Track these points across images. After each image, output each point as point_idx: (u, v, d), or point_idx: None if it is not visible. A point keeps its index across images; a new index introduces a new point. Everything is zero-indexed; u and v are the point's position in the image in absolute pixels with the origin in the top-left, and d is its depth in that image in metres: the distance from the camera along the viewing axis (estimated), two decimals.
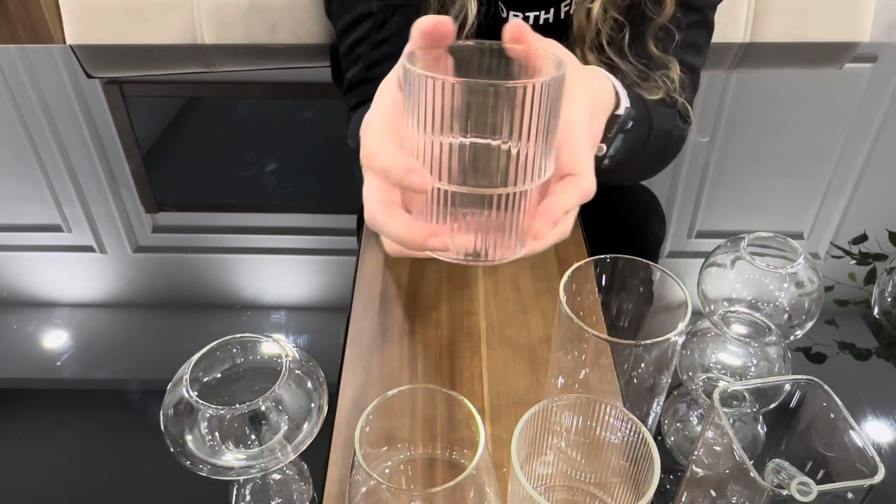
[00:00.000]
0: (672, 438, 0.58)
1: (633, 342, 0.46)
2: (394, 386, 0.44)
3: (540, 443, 0.45)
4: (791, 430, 0.46)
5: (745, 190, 0.89)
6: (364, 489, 0.42)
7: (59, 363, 0.65)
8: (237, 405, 0.44)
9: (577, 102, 0.46)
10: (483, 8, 0.79)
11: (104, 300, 0.73)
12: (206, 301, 0.74)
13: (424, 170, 0.40)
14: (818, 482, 0.37)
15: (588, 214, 0.79)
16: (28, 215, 0.85)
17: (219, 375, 0.50)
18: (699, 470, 0.46)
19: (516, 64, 0.44)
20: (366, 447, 0.42)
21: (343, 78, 0.85)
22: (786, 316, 0.55)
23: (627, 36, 0.78)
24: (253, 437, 0.47)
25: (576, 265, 0.50)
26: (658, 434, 0.58)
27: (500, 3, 0.85)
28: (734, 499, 0.42)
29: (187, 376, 0.46)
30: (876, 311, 0.70)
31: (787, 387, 0.45)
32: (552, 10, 0.86)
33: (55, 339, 0.68)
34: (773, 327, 0.56)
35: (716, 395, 0.42)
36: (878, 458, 0.38)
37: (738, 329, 0.57)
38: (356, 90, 0.81)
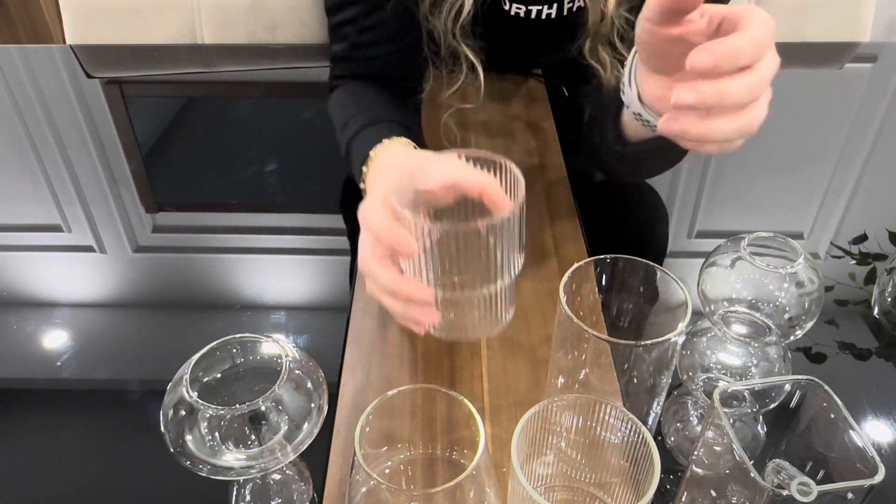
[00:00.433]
0: (672, 438, 0.58)
1: (633, 342, 0.46)
2: (394, 386, 0.44)
3: (540, 443, 0.45)
4: (791, 430, 0.46)
5: (745, 190, 0.89)
6: (364, 489, 0.42)
7: (59, 363, 0.65)
8: (237, 405, 0.44)
9: None
10: None
11: (104, 300, 0.73)
12: (206, 301, 0.74)
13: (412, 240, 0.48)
14: (818, 482, 0.37)
15: (588, 214, 0.79)
16: (28, 215, 0.85)
17: (219, 376, 0.50)
18: (699, 470, 0.46)
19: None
20: (366, 447, 0.42)
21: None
22: (786, 316, 0.55)
23: None
24: (253, 437, 0.47)
25: (576, 265, 0.50)
26: (658, 434, 0.58)
27: None
28: (734, 499, 0.42)
29: (187, 376, 0.46)
30: (876, 311, 0.70)
31: (787, 387, 0.45)
32: (555, 6, 0.86)
33: (55, 339, 0.68)
34: (773, 327, 0.56)
35: (716, 395, 0.42)
36: (878, 458, 0.38)
37: (738, 329, 0.57)
38: (340, 64, 0.82)
